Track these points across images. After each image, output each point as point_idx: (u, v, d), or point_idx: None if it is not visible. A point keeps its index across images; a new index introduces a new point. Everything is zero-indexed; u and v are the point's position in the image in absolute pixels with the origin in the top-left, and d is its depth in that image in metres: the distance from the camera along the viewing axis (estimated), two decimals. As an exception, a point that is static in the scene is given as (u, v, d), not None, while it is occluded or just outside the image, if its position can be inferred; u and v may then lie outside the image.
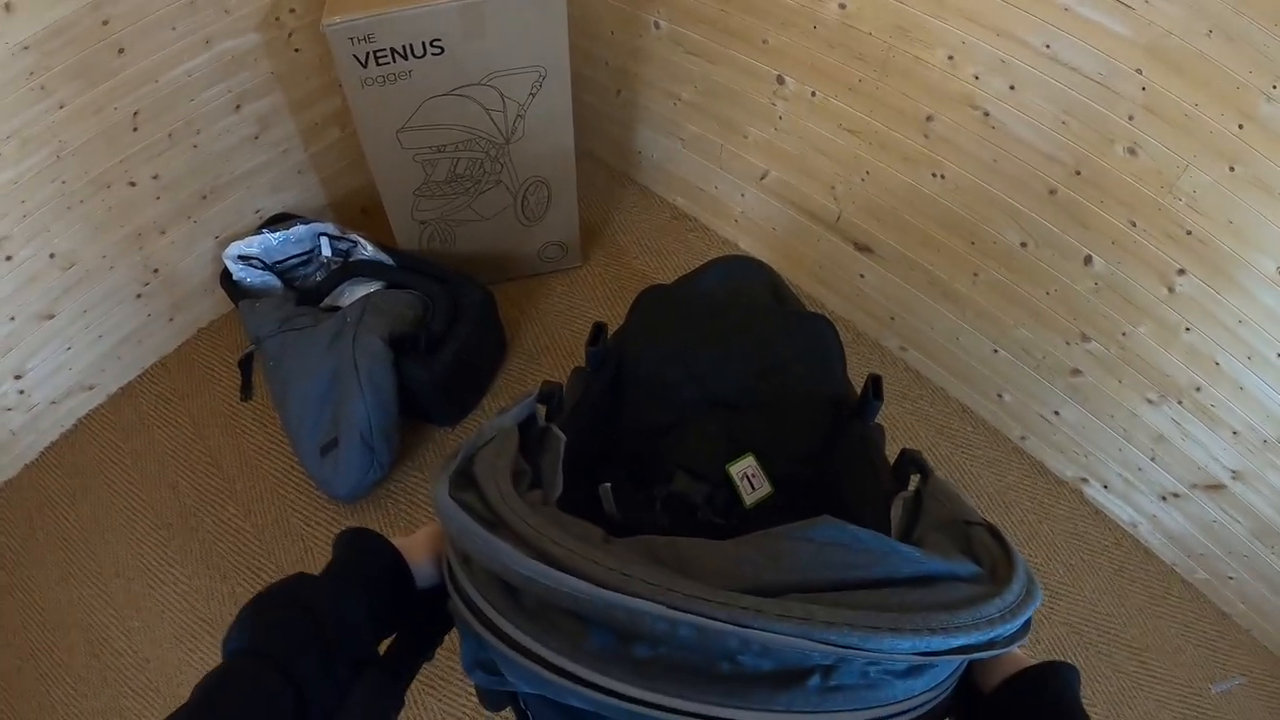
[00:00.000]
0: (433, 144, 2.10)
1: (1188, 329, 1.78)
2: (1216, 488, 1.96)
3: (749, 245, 2.62)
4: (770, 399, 1.42)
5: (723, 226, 2.66)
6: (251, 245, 2.28)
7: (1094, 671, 2.01)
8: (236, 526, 2.11)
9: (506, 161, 2.19)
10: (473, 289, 2.23)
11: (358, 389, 1.98)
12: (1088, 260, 1.85)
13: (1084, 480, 2.24)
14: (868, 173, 2.13)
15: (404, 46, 1.88)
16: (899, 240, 2.20)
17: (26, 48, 1.73)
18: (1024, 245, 1.94)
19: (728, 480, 1.36)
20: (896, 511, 0.96)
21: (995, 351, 2.19)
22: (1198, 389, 1.85)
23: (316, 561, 1.97)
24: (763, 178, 2.41)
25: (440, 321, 2.13)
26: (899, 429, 2.29)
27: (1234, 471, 1.90)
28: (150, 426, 2.30)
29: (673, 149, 2.60)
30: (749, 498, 1.33)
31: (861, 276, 2.36)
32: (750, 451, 1.37)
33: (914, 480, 1.04)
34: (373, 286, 2.24)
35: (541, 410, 1.04)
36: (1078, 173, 1.75)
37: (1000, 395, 2.26)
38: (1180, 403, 1.90)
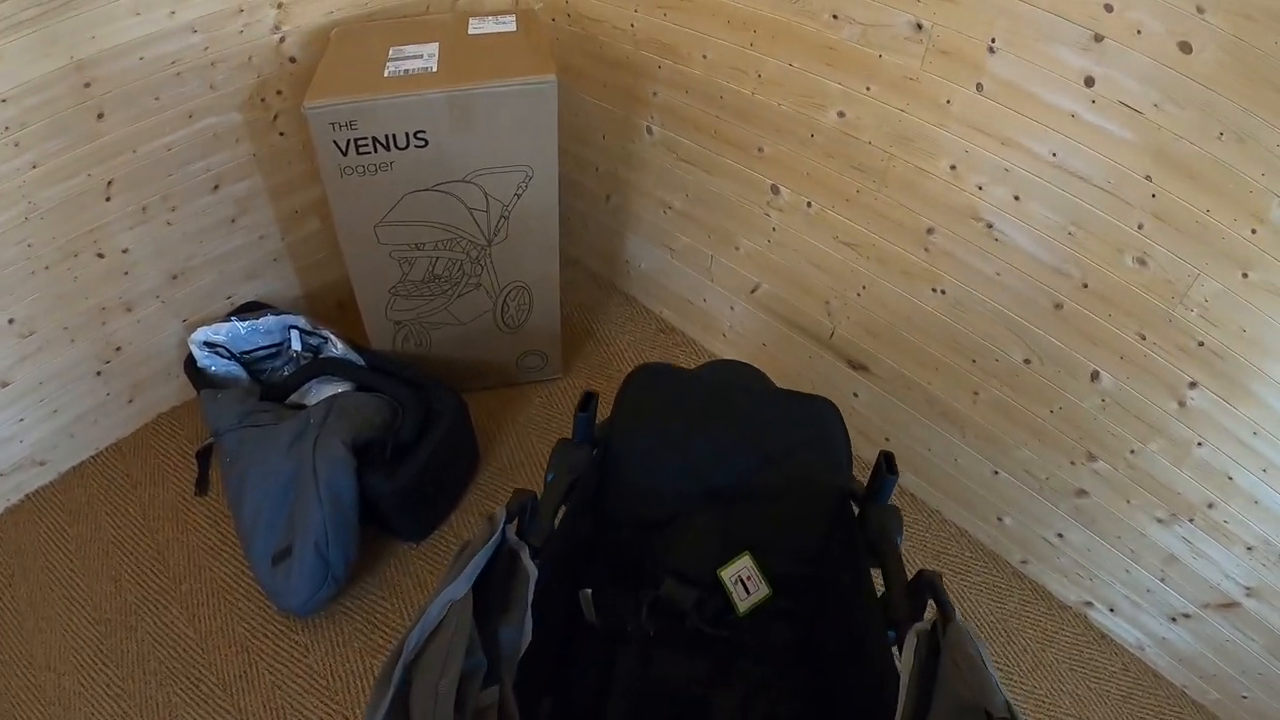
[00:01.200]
0: (411, 241, 2.03)
1: (1200, 444, 1.72)
2: (1230, 606, 1.87)
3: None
4: (770, 490, 1.33)
5: (711, 340, 2.62)
6: (219, 333, 2.19)
7: None
8: (179, 631, 1.92)
9: (487, 264, 2.13)
10: (445, 396, 2.13)
11: (315, 497, 1.86)
12: (1095, 376, 1.80)
13: (1089, 604, 2.14)
14: (864, 287, 2.10)
15: (387, 136, 1.83)
16: (895, 358, 2.15)
17: (4, 100, 1.67)
18: (1028, 362, 1.89)
19: (720, 585, 1.29)
20: (908, 658, 0.89)
21: (995, 473, 2.11)
22: (1210, 505, 1.77)
23: (259, 677, 1.81)
24: (754, 290, 2.38)
25: (409, 429, 2.02)
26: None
27: (1248, 588, 1.82)
28: (99, 512, 2.14)
29: (662, 259, 2.57)
30: (743, 604, 1.26)
31: (855, 395, 2.31)
32: (747, 550, 1.30)
33: (930, 610, 0.98)
34: (341, 387, 2.14)
35: (513, 527, 1.00)
36: (1085, 285, 1.72)
37: (1000, 519, 2.18)
38: (1192, 520, 1.82)
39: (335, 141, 1.80)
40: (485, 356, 2.37)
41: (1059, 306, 1.78)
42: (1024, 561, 2.20)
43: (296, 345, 2.24)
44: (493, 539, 0.92)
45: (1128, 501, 1.90)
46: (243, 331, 2.20)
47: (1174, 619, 1.98)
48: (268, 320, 2.22)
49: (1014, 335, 1.88)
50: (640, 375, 1.40)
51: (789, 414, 1.38)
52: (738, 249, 2.34)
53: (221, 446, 2.04)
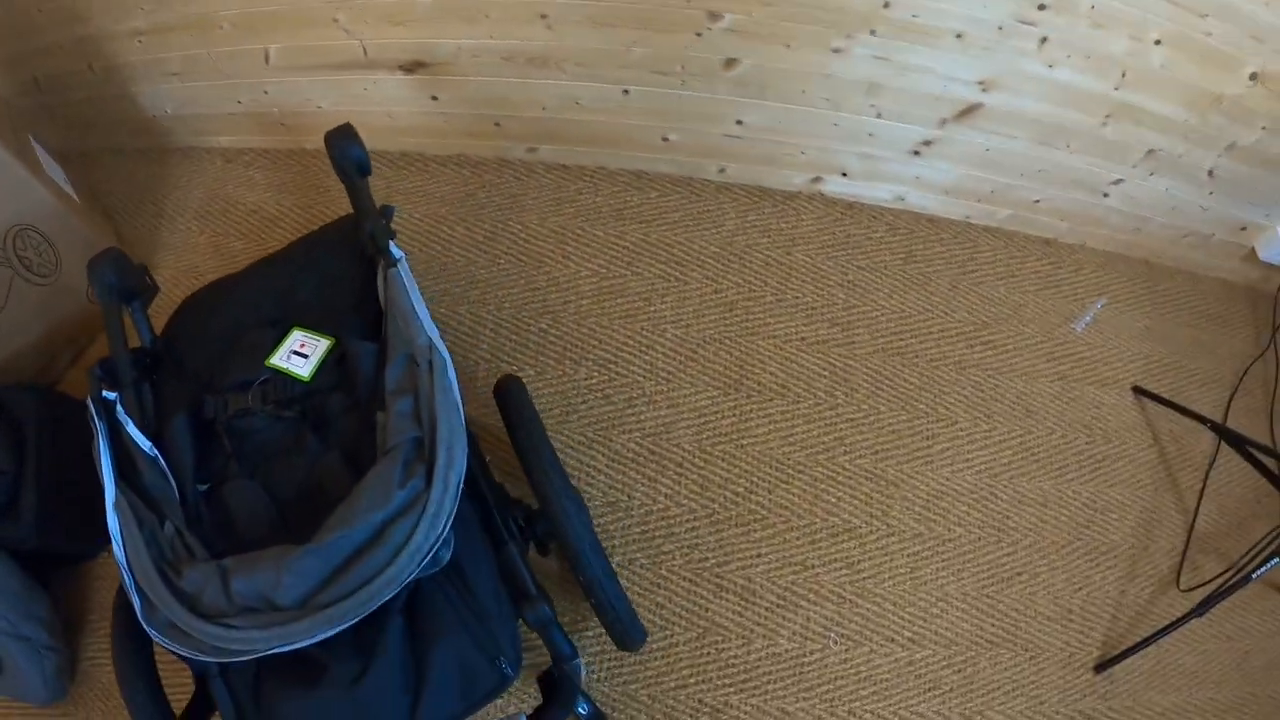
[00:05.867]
0: None
1: None
2: (970, 110, 1.55)
3: (307, 141, 2.05)
4: (310, 286, 1.34)
5: (281, 138, 2.06)
6: None
7: (942, 385, 1.63)
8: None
9: None
10: (20, 399, 1.70)
11: None
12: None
13: (817, 181, 1.77)
14: None
15: None
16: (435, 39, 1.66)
17: None
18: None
19: (277, 374, 1.23)
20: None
21: (626, 93, 1.67)
22: (885, 4, 1.40)
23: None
24: (268, 60, 1.81)
25: (5, 457, 1.62)
26: (573, 240, 1.79)
27: (981, 82, 1.49)
28: None
29: (176, 91, 1.97)
30: (305, 369, 1.21)
31: (434, 99, 1.80)
32: (295, 326, 1.26)
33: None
34: None
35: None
36: None
37: (665, 138, 1.76)
38: (873, 33, 1.44)
39: None
40: (60, 320, 1.87)
41: None
42: (721, 170, 1.81)
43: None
44: (99, 438, 1.13)
45: (787, 47, 1.50)
46: None
47: (915, 153, 1.66)
48: None
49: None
50: (192, 294, 1.45)
51: (311, 239, 1.46)
52: (221, 29, 1.76)
53: None
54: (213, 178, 2.07)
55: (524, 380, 1.55)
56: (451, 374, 1.08)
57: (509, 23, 1.58)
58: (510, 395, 1.28)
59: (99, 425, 1.14)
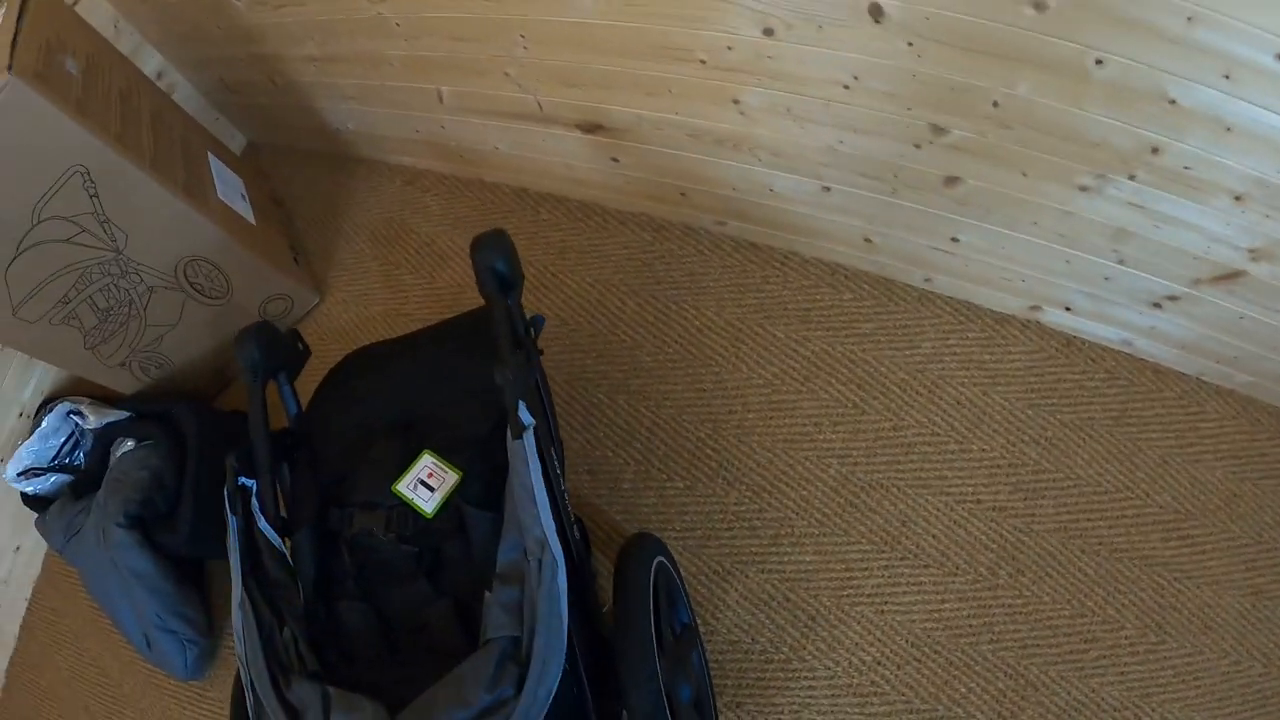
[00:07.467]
0: (53, 301, 1.67)
1: (1099, 61, 1.07)
2: (1231, 276, 1.29)
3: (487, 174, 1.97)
4: (441, 397, 1.30)
5: (460, 167, 1.99)
6: (20, 460, 1.91)
7: (1119, 582, 1.38)
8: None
9: (136, 267, 1.73)
10: (185, 414, 1.84)
11: (127, 585, 1.74)
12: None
13: (1035, 309, 1.54)
14: (522, 36, 1.48)
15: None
16: (631, 95, 1.52)
17: None
18: None
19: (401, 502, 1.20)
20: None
21: (827, 190, 1.48)
22: (1154, 150, 1.15)
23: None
24: (441, 99, 1.74)
25: (169, 470, 1.78)
26: (750, 339, 1.63)
27: (1252, 250, 1.23)
28: (51, 655, 2.04)
29: (355, 111, 1.94)
30: (429, 504, 1.19)
31: (614, 160, 1.68)
32: (425, 450, 1.22)
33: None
34: (128, 445, 1.88)
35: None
36: None
37: (868, 239, 1.56)
38: (1133, 178, 1.20)
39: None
40: (227, 335, 1.97)
41: None
42: (928, 279, 1.59)
43: (88, 424, 1.96)
44: (231, 532, 1.18)
45: (1023, 175, 1.29)
46: (36, 448, 1.93)
47: (1157, 304, 1.41)
48: (49, 421, 1.93)
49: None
50: (339, 364, 1.45)
51: (448, 332, 1.41)
52: (391, 65, 1.71)
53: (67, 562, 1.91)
54: (391, 199, 2.04)
55: (672, 495, 1.52)
56: (561, 580, 1.00)
57: (695, 100, 1.42)
58: (627, 574, 1.18)
59: (232, 518, 1.18)
